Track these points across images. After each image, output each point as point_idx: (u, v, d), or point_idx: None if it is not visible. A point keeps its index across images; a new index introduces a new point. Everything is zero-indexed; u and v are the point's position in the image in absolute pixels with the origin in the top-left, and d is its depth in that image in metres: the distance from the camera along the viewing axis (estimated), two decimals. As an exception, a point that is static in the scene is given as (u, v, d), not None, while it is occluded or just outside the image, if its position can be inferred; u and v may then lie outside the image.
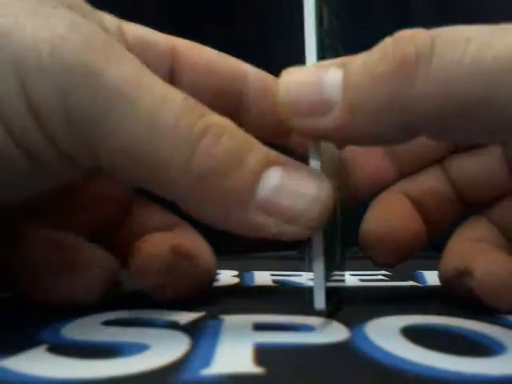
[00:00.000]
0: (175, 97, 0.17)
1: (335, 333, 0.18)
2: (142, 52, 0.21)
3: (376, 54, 0.17)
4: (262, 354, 0.16)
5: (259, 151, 0.18)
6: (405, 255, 0.24)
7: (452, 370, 0.15)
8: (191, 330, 0.19)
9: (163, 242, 0.22)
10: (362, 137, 0.18)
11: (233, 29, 0.44)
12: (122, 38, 0.22)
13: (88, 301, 0.21)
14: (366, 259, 0.24)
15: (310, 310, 0.19)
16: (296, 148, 0.24)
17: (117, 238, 0.24)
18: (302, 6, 0.19)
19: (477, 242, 0.23)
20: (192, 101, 0.17)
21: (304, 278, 0.29)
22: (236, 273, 0.31)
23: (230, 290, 0.27)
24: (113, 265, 0.22)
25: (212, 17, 0.45)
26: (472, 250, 0.23)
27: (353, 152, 0.25)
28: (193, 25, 0.42)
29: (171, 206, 0.23)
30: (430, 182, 0.25)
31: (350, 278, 0.29)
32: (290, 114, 0.18)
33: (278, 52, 0.43)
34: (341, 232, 0.23)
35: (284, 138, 0.24)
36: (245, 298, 0.25)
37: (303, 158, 0.19)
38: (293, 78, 0.18)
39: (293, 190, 0.17)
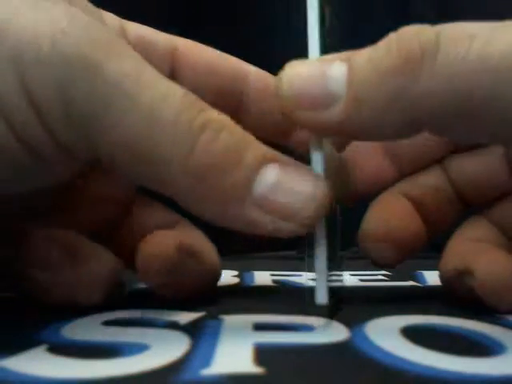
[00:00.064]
0: (175, 92, 0.17)
1: (335, 333, 0.18)
2: (142, 51, 0.21)
3: (381, 49, 0.17)
4: (262, 354, 0.16)
5: (257, 148, 0.18)
6: (404, 255, 0.24)
7: (452, 369, 0.15)
8: (191, 329, 0.19)
9: (167, 240, 0.22)
10: (365, 131, 0.18)
11: (234, 28, 0.44)
12: (124, 37, 0.22)
13: (90, 302, 0.21)
14: (366, 259, 0.24)
15: (310, 310, 0.19)
16: (296, 148, 0.24)
17: (117, 237, 0.24)
18: (303, 6, 0.19)
19: (477, 241, 0.23)
20: (192, 96, 0.18)
21: (304, 278, 0.29)
22: (236, 273, 0.31)
23: (229, 289, 0.27)
24: (116, 265, 0.22)
25: (213, 16, 0.45)
26: (473, 249, 0.23)
27: (353, 152, 0.25)
28: (194, 24, 0.42)
29: (171, 205, 0.23)
30: (430, 182, 0.25)
31: (350, 278, 0.29)
32: (293, 107, 0.18)
33: (279, 51, 0.42)
34: (340, 232, 0.23)
35: (283, 138, 0.24)
36: (245, 298, 0.25)
37: (303, 158, 0.19)
38: (296, 70, 0.18)
39: (289, 187, 0.18)
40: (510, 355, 0.17)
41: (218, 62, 0.24)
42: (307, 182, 0.18)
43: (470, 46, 0.16)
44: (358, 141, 0.24)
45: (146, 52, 0.22)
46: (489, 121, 0.17)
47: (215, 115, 0.18)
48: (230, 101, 0.24)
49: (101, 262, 0.22)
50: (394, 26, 0.18)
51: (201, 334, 0.18)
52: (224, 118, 0.18)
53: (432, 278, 0.29)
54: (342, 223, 0.23)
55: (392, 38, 0.17)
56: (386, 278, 0.30)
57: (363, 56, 0.18)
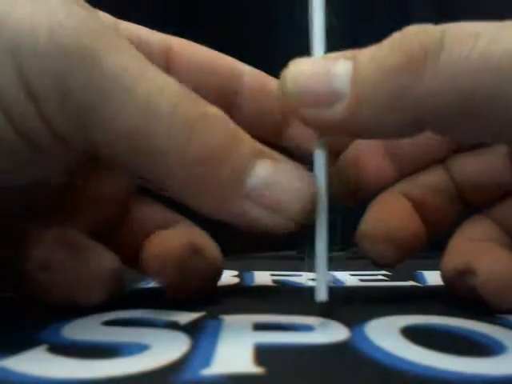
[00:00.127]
0: (172, 85, 0.18)
1: (335, 333, 0.18)
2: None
3: (385, 48, 0.17)
4: (262, 354, 0.16)
5: (250, 143, 0.18)
6: (404, 255, 0.24)
7: (452, 370, 0.15)
8: (191, 329, 0.19)
9: (173, 239, 0.22)
10: (368, 130, 0.18)
11: (229, 28, 0.44)
12: None
13: (90, 302, 0.21)
14: (366, 259, 0.24)
15: (310, 309, 0.19)
16: (296, 149, 0.24)
17: (117, 237, 0.24)
18: (307, 4, 0.19)
19: (479, 240, 0.23)
20: (188, 90, 0.18)
21: (304, 278, 0.29)
22: (236, 273, 0.31)
23: (229, 289, 0.27)
24: (117, 265, 0.22)
25: (208, 15, 0.45)
26: (475, 248, 0.23)
27: (353, 152, 0.25)
28: (189, 24, 0.42)
29: (171, 205, 0.23)
30: (430, 181, 0.25)
31: (350, 278, 0.29)
32: (296, 105, 0.18)
33: (275, 51, 0.43)
34: (340, 232, 0.23)
35: (275, 138, 0.25)
36: (245, 297, 0.25)
37: (303, 158, 0.19)
38: (301, 68, 0.18)
39: (280, 182, 0.18)
40: (510, 355, 0.17)
41: (213, 61, 0.24)
42: (297, 179, 0.18)
43: (475, 45, 0.16)
44: (360, 139, 0.24)
45: (141, 51, 0.22)
46: (492, 120, 0.17)
47: (210, 108, 0.18)
48: (224, 100, 0.24)
49: (101, 261, 0.22)
50: (394, 26, 0.18)
51: (201, 334, 0.18)
52: (219, 112, 0.18)
53: (432, 277, 0.29)
54: (342, 223, 0.23)
55: (396, 37, 0.17)
56: (385, 278, 0.30)
57: (367, 54, 0.18)
